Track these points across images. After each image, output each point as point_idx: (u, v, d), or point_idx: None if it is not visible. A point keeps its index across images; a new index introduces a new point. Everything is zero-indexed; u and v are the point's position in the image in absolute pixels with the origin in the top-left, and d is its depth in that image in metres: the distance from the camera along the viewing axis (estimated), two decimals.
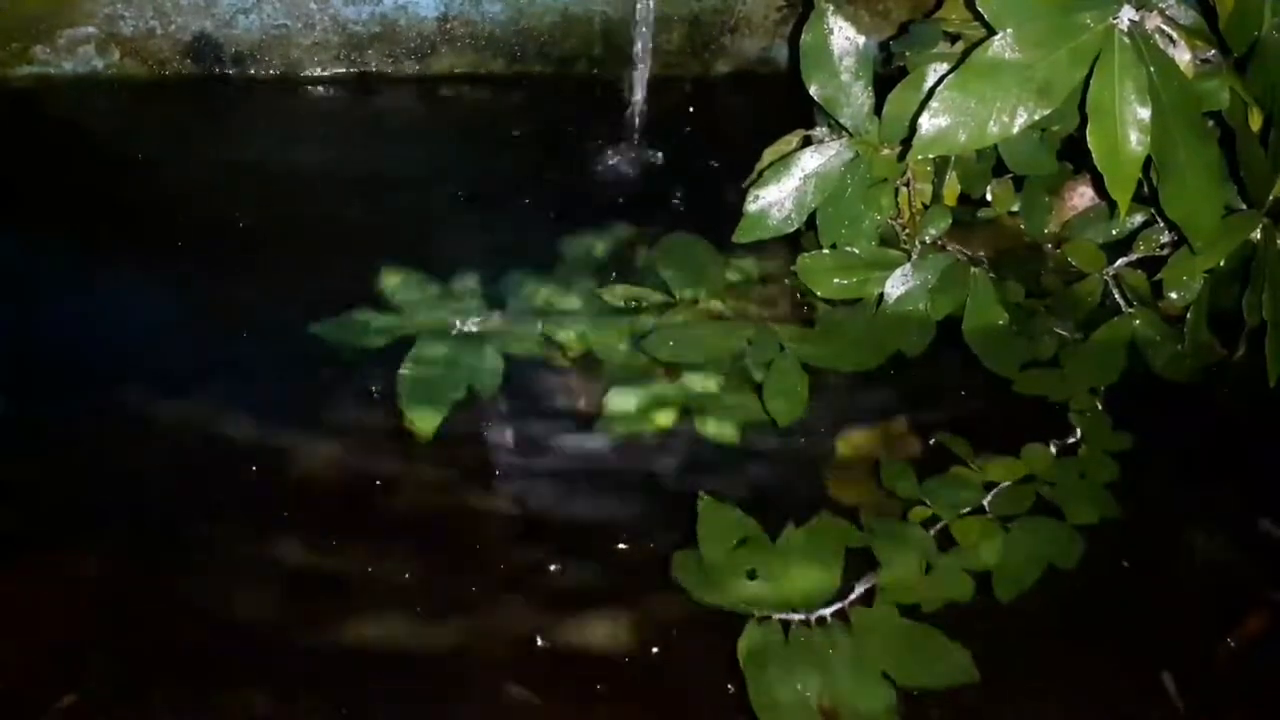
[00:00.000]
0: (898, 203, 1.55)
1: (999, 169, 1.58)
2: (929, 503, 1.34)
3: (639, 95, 1.82)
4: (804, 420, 1.43)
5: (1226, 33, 1.34)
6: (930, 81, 1.39)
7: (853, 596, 1.24)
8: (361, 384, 1.44)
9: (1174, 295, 1.50)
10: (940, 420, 1.44)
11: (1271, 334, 1.37)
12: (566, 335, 1.52)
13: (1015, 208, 1.67)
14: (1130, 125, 1.24)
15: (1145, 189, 1.37)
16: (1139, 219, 1.58)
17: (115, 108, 1.85)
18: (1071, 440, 1.43)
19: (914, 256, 1.53)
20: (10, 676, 1.15)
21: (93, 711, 1.12)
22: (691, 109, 1.92)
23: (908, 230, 1.56)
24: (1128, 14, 1.25)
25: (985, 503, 1.34)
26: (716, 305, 1.56)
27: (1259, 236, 1.41)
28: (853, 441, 1.43)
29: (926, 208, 1.57)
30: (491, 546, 1.29)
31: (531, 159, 1.82)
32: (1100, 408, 1.47)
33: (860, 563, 1.28)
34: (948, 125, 1.27)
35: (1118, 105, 1.24)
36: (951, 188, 1.59)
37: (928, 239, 1.55)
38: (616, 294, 1.57)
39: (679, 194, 1.75)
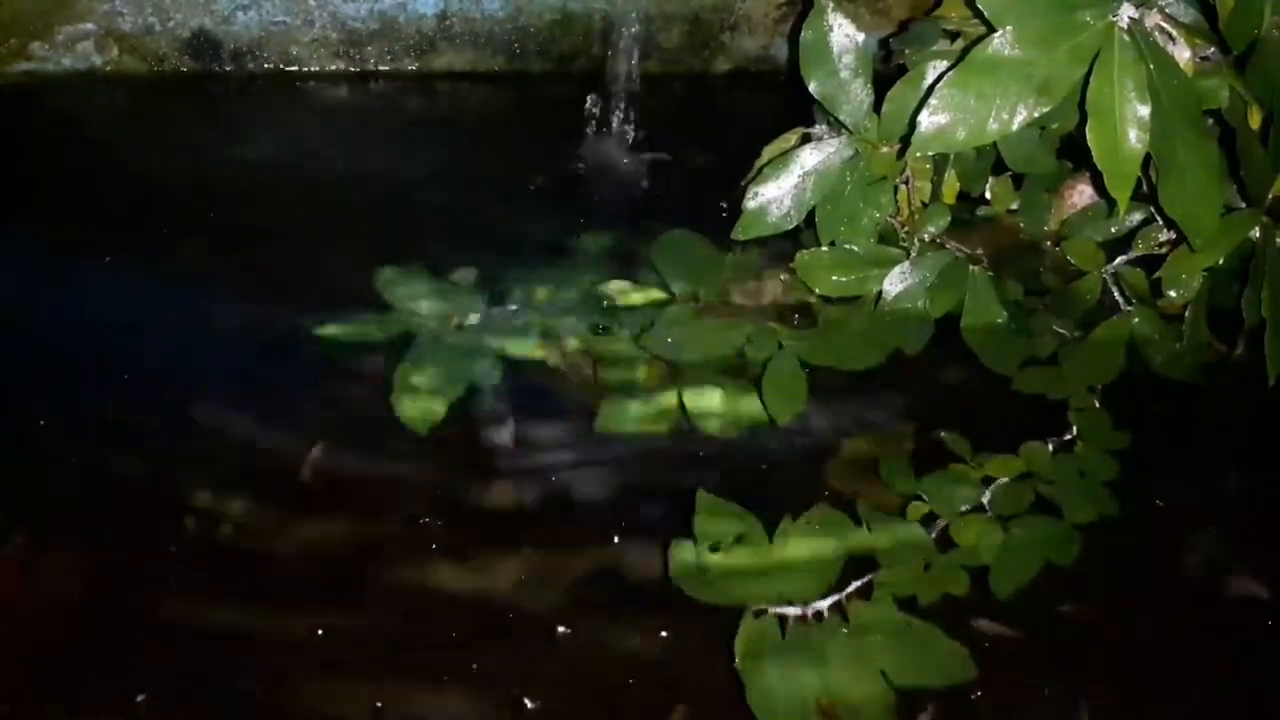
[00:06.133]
0: (897, 200, 1.55)
1: (998, 167, 1.58)
2: (927, 500, 1.34)
3: (637, 93, 1.82)
4: (802, 418, 1.42)
5: (1226, 31, 1.34)
6: (930, 79, 1.39)
7: (850, 593, 1.24)
8: (360, 381, 1.44)
9: (1173, 293, 1.50)
10: (939, 418, 1.44)
11: (1270, 332, 1.37)
12: (565, 332, 1.51)
13: (1014, 205, 1.67)
14: (1130, 123, 1.24)
15: (1144, 187, 1.37)
16: (1138, 217, 1.58)
17: (114, 104, 1.85)
18: (1070, 438, 1.43)
19: (913, 254, 1.53)
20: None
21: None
22: (691, 106, 1.92)
23: (907, 228, 1.56)
24: (1127, 11, 1.25)
25: (984, 500, 1.34)
26: (715, 303, 1.56)
27: (1258, 235, 1.41)
28: (851, 439, 1.43)
29: (925, 205, 1.57)
30: (489, 544, 1.29)
31: (530, 156, 1.81)
32: (1099, 406, 1.47)
33: (859, 560, 1.27)
34: (947, 123, 1.27)
35: (1117, 103, 1.24)
36: (950, 185, 1.59)
37: (927, 237, 1.55)
38: (615, 291, 1.56)
39: (678, 191, 1.75)
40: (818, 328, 1.53)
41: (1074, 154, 1.55)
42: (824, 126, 1.53)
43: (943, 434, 1.41)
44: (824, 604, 1.22)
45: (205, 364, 1.46)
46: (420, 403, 1.41)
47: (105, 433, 1.37)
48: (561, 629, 1.21)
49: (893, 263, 1.52)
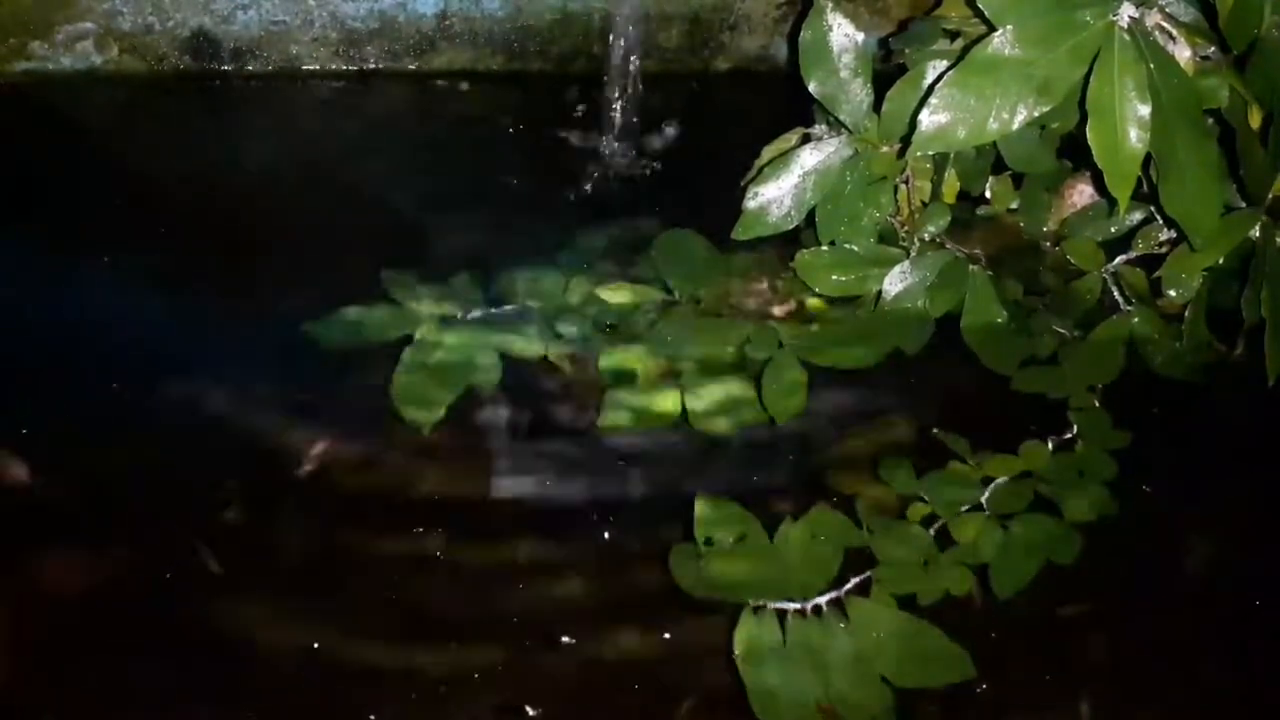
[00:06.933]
0: (897, 200, 1.55)
1: (998, 166, 1.58)
2: (927, 499, 1.34)
3: (637, 92, 1.82)
4: (802, 417, 1.42)
5: (1226, 30, 1.34)
6: (930, 78, 1.39)
7: (850, 591, 1.24)
8: (359, 381, 1.44)
9: (1173, 293, 1.50)
10: (939, 417, 1.44)
11: (1270, 332, 1.37)
12: (565, 332, 1.51)
13: (1014, 205, 1.67)
14: (1130, 122, 1.24)
15: (1145, 186, 1.37)
16: (1138, 216, 1.58)
17: (114, 104, 1.85)
18: (1070, 437, 1.43)
19: (913, 254, 1.53)
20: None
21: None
22: (691, 106, 1.92)
23: (907, 227, 1.56)
24: (1128, 11, 1.25)
25: (983, 500, 1.34)
26: (715, 302, 1.56)
27: (1258, 234, 1.41)
28: (851, 438, 1.43)
29: (925, 205, 1.57)
30: (488, 543, 1.29)
31: (530, 156, 1.81)
32: (1098, 405, 1.47)
33: (859, 559, 1.27)
34: (947, 122, 1.27)
35: (1117, 102, 1.24)
36: (950, 185, 1.59)
37: (926, 236, 1.55)
38: (615, 291, 1.56)
39: (678, 191, 1.75)
40: (818, 327, 1.53)
41: (1074, 153, 1.55)
42: (824, 126, 1.53)
43: (942, 433, 1.42)
44: (824, 602, 1.22)
45: (204, 363, 1.45)
46: (421, 402, 1.41)
47: (104, 433, 1.37)
48: (562, 630, 1.21)
49: (893, 262, 1.52)
